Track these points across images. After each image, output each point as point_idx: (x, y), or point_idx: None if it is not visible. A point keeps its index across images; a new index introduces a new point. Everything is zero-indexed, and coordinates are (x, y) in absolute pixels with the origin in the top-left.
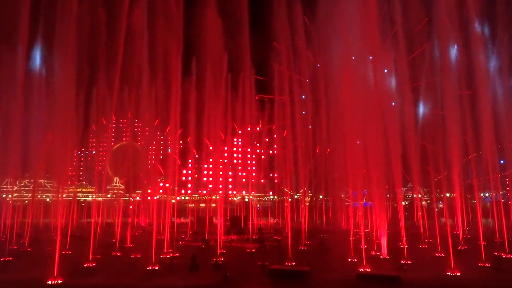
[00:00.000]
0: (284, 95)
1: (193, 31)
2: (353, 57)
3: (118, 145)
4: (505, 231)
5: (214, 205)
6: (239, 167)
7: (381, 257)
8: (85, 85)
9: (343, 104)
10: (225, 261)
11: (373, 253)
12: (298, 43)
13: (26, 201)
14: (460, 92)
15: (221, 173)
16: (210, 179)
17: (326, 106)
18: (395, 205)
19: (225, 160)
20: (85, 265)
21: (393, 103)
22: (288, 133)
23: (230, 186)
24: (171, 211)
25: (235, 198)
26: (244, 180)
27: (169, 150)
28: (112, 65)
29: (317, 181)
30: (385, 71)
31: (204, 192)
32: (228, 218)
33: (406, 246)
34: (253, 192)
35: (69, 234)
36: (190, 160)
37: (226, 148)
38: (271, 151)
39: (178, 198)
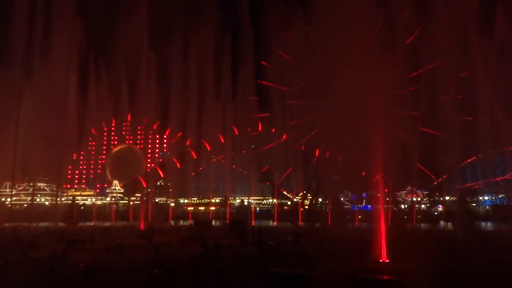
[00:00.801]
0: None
1: None
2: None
3: (118, 148)
4: None
5: (213, 208)
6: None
7: (381, 261)
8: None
9: (341, 109)
10: (224, 265)
11: (374, 257)
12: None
13: (25, 205)
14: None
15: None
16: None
17: (324, 111)
18: (395, 208)
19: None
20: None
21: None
22: (287, 136)
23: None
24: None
25: (234, 202)
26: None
27: (169, 153)
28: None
29: (317, 184)
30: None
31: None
32: (228, 221)
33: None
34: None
35: None
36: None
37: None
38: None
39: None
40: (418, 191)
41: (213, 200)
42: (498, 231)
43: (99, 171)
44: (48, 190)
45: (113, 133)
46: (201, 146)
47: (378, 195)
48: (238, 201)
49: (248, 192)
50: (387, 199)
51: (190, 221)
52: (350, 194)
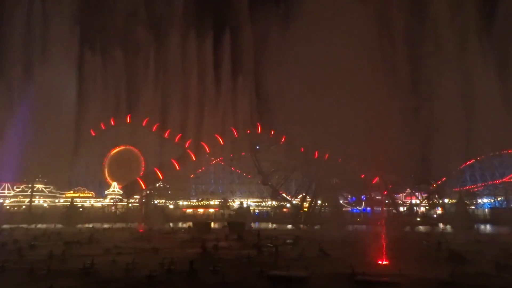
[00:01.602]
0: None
1: None
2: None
3: (117, 150)
4: None
5: (212, 210)
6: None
7: (380, 263)
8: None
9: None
10: (223, 267)
11: (373, 259)
12: None
13: (24, 206)
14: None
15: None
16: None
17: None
18: (394, 211)
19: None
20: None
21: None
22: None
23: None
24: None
25: (233, 204)
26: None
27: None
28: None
29: (316, 186)
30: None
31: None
32: (227, 223)
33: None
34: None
35: None
36: None
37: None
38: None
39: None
40: (417, 193)
41: (212, 202)
42: (497, 234)
43: (98, 172)
44: (46, 191)
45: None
46: (200, 148)
47: (377, 197)
48: (237, 203)
49: (247, 194)
50: (386, 201)
51: (189, 223)
52: (349, 196)
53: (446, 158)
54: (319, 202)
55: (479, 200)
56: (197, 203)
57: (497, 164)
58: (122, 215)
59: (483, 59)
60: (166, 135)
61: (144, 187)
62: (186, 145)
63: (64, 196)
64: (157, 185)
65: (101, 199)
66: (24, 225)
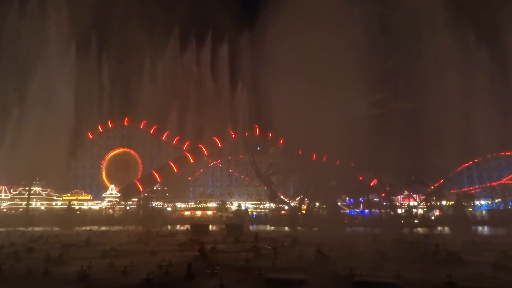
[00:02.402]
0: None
1: None
2: None
3: (114, 152)
4: None
5: (210, 213)
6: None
7: (378, 264)
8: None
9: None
10: (221, 270)
11: (370, 259)
12: None
13: (21, 209)
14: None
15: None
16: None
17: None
18: (392, 213)
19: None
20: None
21: None
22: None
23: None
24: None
25: (231, 206)
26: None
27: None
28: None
29: (314, 189)
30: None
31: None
32: (225, 226)
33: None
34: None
35: None
36: None
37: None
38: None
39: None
40: (414, 195)
41: (210, 205)
42: (495, 236)
43: (95, 175)
44: (43, 194)
45: (110, 137)
46: (198, 150)
47: (375, 199)
48: (235, 205)
49: (245, 197)
50: (384, 203)
51: (187, 226)
52: (347, 198)
53: (443, 160)
54: (317, 204)
55: (477, 202)
56: (195, 205)
57: (495, 166)
58: (120, 217)
59: (481, 60)
60: (164, 138)
61: (141, 190)
62: (184, 148)
63: (61, 199)
64: (155, 187)
65: (99, 202)
66: (21, 228)
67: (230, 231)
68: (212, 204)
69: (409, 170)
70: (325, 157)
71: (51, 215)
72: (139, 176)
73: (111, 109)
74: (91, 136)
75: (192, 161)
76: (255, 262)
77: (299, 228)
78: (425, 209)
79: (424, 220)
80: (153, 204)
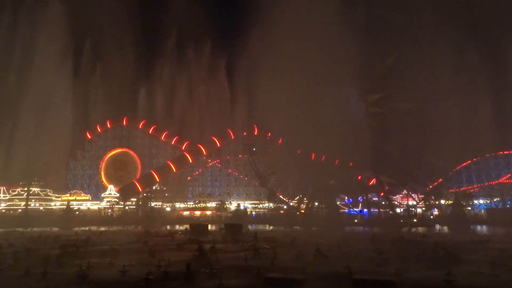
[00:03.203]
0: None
1: None
2: None
3: (113, 152)
4: None
5: (209, 213)
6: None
7: (377, 263)
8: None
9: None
10: (220, 269)
11: (369, 258)
12: None
13: (19, 210)
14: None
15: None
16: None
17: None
18: (391, 212)
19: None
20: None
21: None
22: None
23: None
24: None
25: (230, 206)
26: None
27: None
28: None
29: (313, 188)
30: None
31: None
32: (224, 225)
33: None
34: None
35: None
36: None
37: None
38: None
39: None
40: (413, 195)
41: (209, 205)
42: (493, 235)
43: (94, 175)
44: (42, 195)
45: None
46: (197, 150)
47: (374, 199)
48: (234, 205)
49: (244, 196)
50: (383, 203)
51: (186, 226)
52: (346, 198)
53: (442, 159)
54: (316, 203)
55: (475, 201)
56: (194, 205)
57: (493, 165)
58: (119, 218)
59: (479, 60)
60: (162, 138)
61: (140, 190)
62: (183, 147)
63: (60, 199)
64: (154, 187)
65: (98, 202)
66: (20, 229)
67: (229, 231)
68: (211, 204)
69: (407, 169)
70: (323, 157)
71: (50, 216)
72: (138, 176)
73: (110, 109)
74: (89, 136)
75: (191, 161)
76: (254, 262)
77: (298, 227)
78: (424, 208)
79: (423, 219)
80: (152, 204)
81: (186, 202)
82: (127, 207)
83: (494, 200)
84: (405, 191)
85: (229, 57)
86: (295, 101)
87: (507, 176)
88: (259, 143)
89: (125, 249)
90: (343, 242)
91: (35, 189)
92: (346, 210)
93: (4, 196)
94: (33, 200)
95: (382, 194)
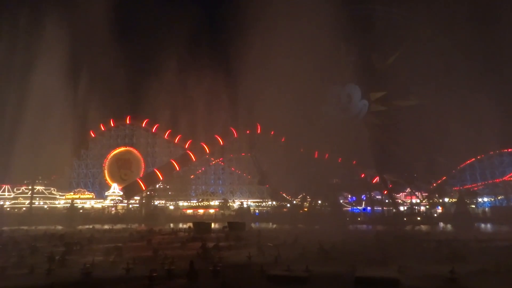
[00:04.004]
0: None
1: None
2: None
3: (117, 151)
4: None
5: (212, 211)
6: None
7: (380, 260)
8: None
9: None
10: (223, 267)
11: (372, 256)
12: None
13: (24, 208)
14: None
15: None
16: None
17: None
18: (394, 210)
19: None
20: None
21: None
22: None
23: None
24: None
25: (234, 204)
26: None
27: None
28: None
29: (316, 186)
30: None
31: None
32: (227, 223)
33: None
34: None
35: None
36: None
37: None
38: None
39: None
40: (417, 193)
41: (212, 203)
42: (497, 233)
43: (98, 174)
44: (46, 193)
45: (112, 136)
46: (200, 149)
47: (377, 197)
48: (237, 203)
49: (247, 195)
50: (387, 201)
51: (189, 224)
52: (349, 196)
53: (446, 157)
54: (319, 202)
55: (480, 199)
56: (197, 203)
57: (497, 163)
58: (123, 216)
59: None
60: (166, 136)
61: (144, 188)
62: (186, 146)
63: (64, 197)
64: (157, 186)
65: (101, 201)
66: (25, 227)
67: (233, 229)
68: (214, 202)
69: (411, 167)
70: (327, 155)
71: (54, 214)
72: (141, 175)
73: (113, 107)
74: (93, 135)
75: (194, 160)
76: (257, 260)
77: (301, 225)
78: (427, 207)
79: (427, 217)
80: (156, 203)
81: (189, 200)
82: (130, 206)
83: (498, 198)
84: (408, 189)
85: (232, 54)
86: (298, 100)
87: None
88: (262, 141)
89: (129, 247)
90: (346, 240)
91: (39, 188)
92: (349, 208)
93: (8, 195)
94: (37, 199)
95: (385, 192)
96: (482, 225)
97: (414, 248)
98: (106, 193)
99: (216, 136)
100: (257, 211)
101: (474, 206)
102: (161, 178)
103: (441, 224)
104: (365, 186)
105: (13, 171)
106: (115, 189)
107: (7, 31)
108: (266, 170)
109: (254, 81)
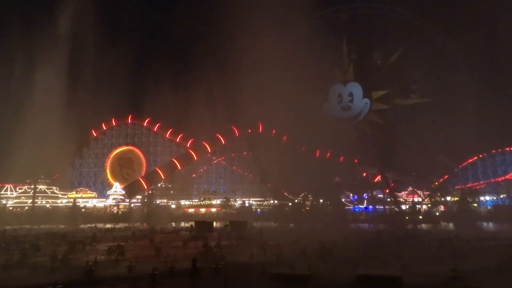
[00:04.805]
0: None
1: None
2: None
3: (118, 150)
4: None
5: (214, 210)
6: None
7: (382, 259)
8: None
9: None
10: (225, 265)
11: (374, 254)
12: None
13: (26, 207)
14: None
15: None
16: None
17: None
18: (396, 209)
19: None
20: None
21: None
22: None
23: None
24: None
25: (235, 203)
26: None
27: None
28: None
29: (318, 185)
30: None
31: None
32: (229, 222)
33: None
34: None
35: None
36: None
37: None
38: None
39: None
40: (419, 191)
41: (214, 202)
42: (499, 231)
43: (100, 173)
44: (49, 192)
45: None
46: (202, 148)
47: (379, 196)
48: (239, 202)
49: (249, 193)
50: (388, 199)
51: (191, 222)
52: (351, 194)
53: (448, 155)
54: (321, 200)
55: (482, 198)
56: (199, 202)
57: (500, 161)
58: (125, 215)
59: (485, 56)
60: (167, 135)
61: (146, 187)
62: (188, 145)
63: (66, 196)
64: (159, 185)
65: (104, 200)
66: (27, 226)
67: (234, 228)
68: (216, 201)
69: (413, 166)
70: (328, 154)
71: (56, 213)
72: (143, 174)
73: (115, 107)
74: (95, 134)
75: (195, 158)
76: (259, 258)
77: (303, 224)
78: (429, 205)
79: (429, 216)
80: (157, 201)
81: (191, 199)
82: (132, 205)
83: (501, 196)
84: (410, 188)
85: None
86: (299, 98)
87: None
88: (263, 140)
89: (131, 246)
90: (348, 238)
91: (41, 187)
92: (351, 207)
93: (11, 194)
94: (39, 198)
95: (387, 191)
96: (485, 224)
97: (416, 247)
98: (108, 192)
99: (218, 135)
100: (259, 210)
101: (476, 204)
102: (163, 177)
103: (443, 223)
104: (367, 184)
105: (16, 170)
106: (117, 188)
107: (9, 30)
108: (268, 169)
109: (255, 79)
